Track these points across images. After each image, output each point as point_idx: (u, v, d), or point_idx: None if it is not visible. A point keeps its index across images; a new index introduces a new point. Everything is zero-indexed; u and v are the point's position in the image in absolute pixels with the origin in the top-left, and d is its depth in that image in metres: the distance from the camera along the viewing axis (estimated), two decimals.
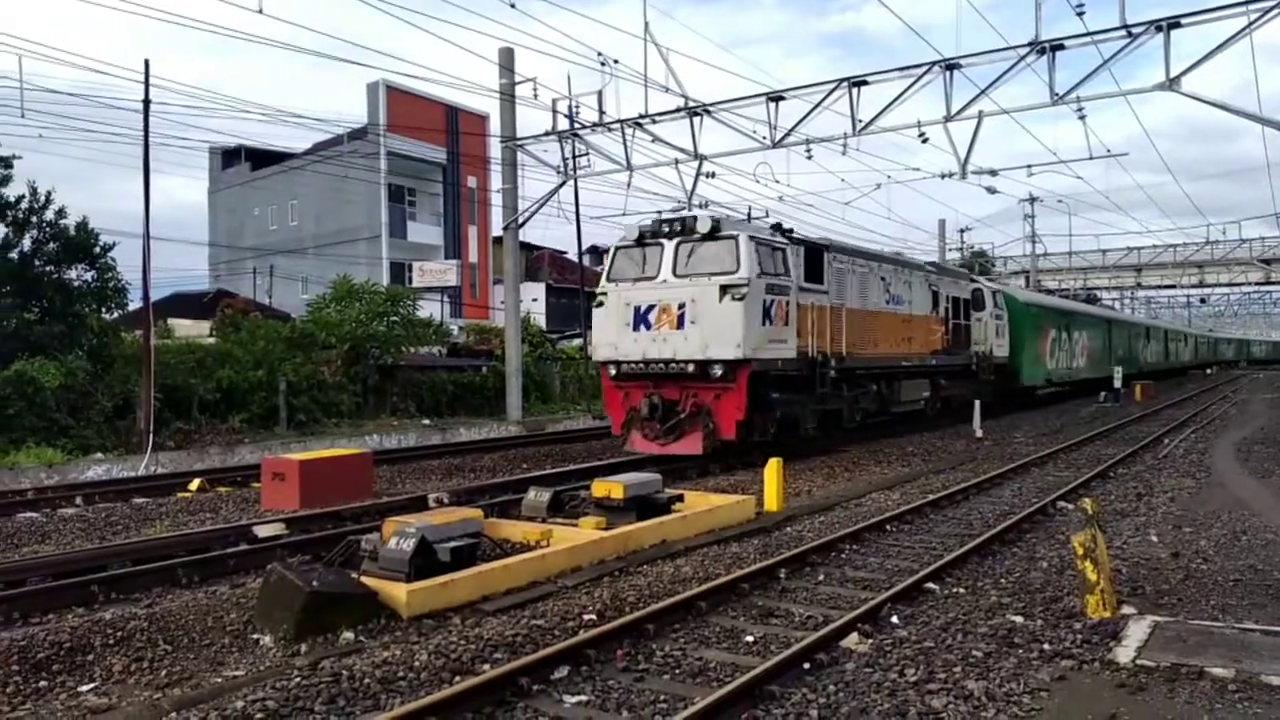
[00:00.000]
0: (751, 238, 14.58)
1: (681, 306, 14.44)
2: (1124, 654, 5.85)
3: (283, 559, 7.99)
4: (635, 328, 14.88)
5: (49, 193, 20.03)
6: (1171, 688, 5.33)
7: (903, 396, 19.96)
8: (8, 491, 13.44)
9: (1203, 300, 72.79)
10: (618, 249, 15.70)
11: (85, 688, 5.60)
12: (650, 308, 14.76)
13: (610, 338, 15.26)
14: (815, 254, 16.63)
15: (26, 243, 19.94)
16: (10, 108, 20.44)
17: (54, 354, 18.59)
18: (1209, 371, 69.18)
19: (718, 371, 14.06)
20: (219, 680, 5.67)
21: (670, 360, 14.47)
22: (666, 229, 15.11)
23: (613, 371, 15.27)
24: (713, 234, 14.57)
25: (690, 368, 14.29)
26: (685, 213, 17.35)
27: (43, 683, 5.65)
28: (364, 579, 7.03)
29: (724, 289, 14.15)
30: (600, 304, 15.51)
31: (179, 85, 72.71)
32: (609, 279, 15.61)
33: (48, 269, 20.06)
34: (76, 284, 20.33)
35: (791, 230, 16.78)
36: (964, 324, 23.33)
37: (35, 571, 8.05)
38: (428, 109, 43.63)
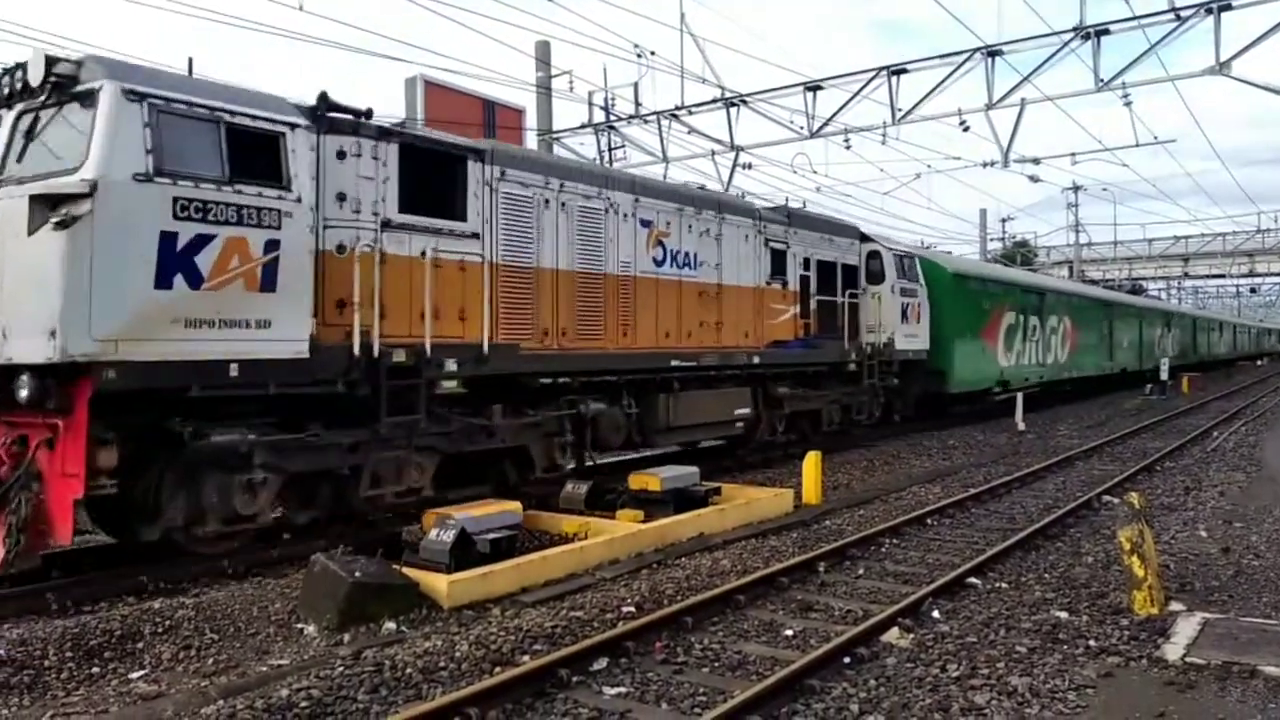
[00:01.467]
0: (131, 92, 6.81)
1: None
2: (1173, 651, 5.75)
3: (325, 550, 8.07)
4: None
5: None
6: (1222, 686, 5.22)
7: (680, 418, 12.34)
8: None
9: (1253, 290, 71.11)
10: None
11: (136, 674, 5.73)
12: None
13: None
14: (437, 162, 9.23)
15: None
16: None
17: None
18: (1259, 363, 67.55)
19: (25, 390, 6.56)
20: (264, 669, 5.77)
21: None
22: (8, 87, 7.35)
23: None
24: (56, 87, 6.96)
25: None
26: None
27: (95, 669, 5.78)
28: (405, 570, 7.12)
29: (37, 204, 6.55)
30: None
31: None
32: None
33: None
34: None
35: (367, 112, 8.48)
36: (842, 302, 15.89)
37: (87, 560, 8.23)
38: (465, 103, 43.80)
